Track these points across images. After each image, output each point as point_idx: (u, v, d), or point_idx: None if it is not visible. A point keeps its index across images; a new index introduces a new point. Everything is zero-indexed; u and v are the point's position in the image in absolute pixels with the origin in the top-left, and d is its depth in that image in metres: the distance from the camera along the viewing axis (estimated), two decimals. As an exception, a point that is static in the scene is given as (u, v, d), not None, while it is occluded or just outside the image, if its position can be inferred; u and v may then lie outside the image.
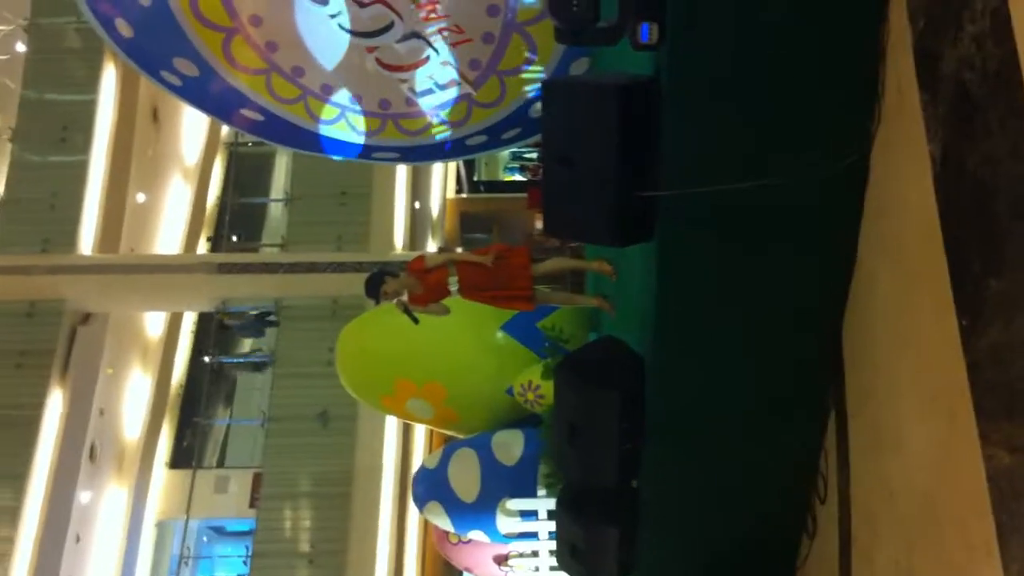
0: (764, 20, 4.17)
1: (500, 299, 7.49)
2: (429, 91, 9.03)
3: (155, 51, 8.60)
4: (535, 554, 9.67)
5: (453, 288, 7.45)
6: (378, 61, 8.70)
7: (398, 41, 8.51)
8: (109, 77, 18.54)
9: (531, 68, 8.72)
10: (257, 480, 18.99)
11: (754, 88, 4.29)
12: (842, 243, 4.59)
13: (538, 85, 8.68)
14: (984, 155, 3.11)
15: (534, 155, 25.49)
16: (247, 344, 22.52)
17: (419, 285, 7.33)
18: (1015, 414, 2.95)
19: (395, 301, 7.38)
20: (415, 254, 14.75)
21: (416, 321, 7.38)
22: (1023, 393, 2.91)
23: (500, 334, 9.92)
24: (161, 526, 20.41)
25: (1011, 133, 2.91)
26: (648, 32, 4.44)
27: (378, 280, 7.30)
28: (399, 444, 18.95)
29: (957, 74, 3.31)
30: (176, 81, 8.82)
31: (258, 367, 22.14)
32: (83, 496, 17.08)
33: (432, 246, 21.93)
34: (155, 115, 19.74)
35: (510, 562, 10.25)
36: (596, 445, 5.69)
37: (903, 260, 4.00)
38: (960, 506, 3.39)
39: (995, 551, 3.07)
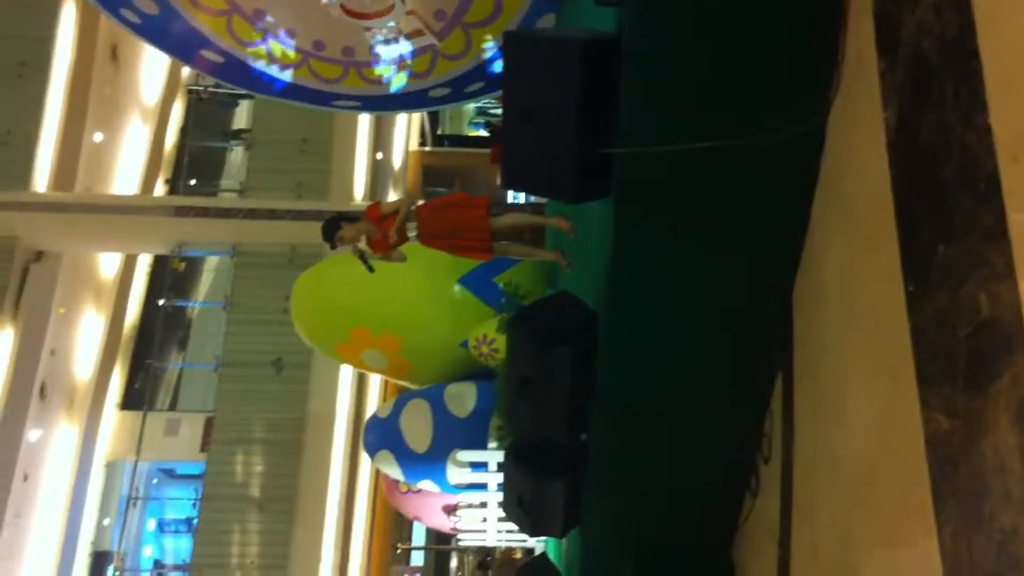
0: (729, -18, 4.17)
1: (459, 248, 7.50)
2: (393, 40, 8.94)
3: (114, -13, 8.46)
4: (483, 505, 9.78)
5: (412, 234, 7.45)
6: (343, 7, 8.59)
7: (364, -13, 8.42)
8: (68, 13, 18.20)
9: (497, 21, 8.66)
10: (209, 424, 18.98)
11: (714, 49, 4.28)
12: (796, 208, 4.61)
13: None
14: (937, 123, 3.13)
15: (499, 110, 25.37)
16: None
17: (377, 231, 7.31)
18: (956, 379, 2.99)
19: (351, 247, 7.36)
20: (375, 204, 14.62)
21: (371, 269, 7.37)
22: (965, 359, 2.95)
23: (457, 287, 9.95)
24: (111, 466, 20.40)
25: (964, 102, 2.94)
26: (612, -12, 4.42)
27: (335, 225, 7.27)
28: (353, 393, 19.02)
29: (915, 41, 3.33)
30: (135, 19, 8.66)
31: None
32: (32, 434, 16.98)
33: (392, 197, 21.84)
34: (114, 54, 19.41)
35: (459, 512, 10.34)
36: (547, 398, 5.72)
37: (855, 226, 4.03)
38: (900, 470, 3.44)
39: (930, 513, 3.12)
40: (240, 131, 22.85)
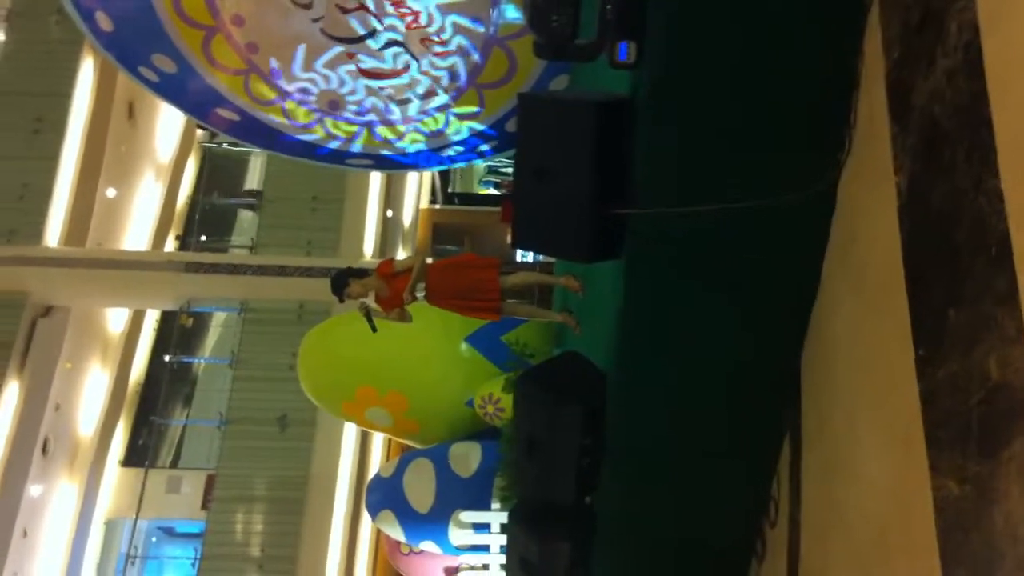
0: (742, 47, 4.20)
1: (466, 308, 7.48)
2: (407, 100, 9.04)
3: (134, 46, 8.57)
4: (486, 567, 9.66)
5: (420, 295, 7.44)
6: (358, 67, 8.70)
7: (379, 48, 8.52)
8: (87, 70, 18.42)
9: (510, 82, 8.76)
10: (210, 482, 18.86)
11: (728, 113, 4.32)
12: (807, 269, 4.63)
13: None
14: (949, 188, 3.15)
15: (510, 169, 25.52)
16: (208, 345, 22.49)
17: (386, 288, 7.30)
18: (967, 445, 2.97)
19: (358, 304, 7.34)
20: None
21: (375, 329, 7.32)
22: (976, 424, 2.93)
23: (464, 346, 9.94)
24: (110, 524, 20.19)
25: (976, 167, 2.95)
26: (626, 51, 4.47)
27: (344, 279, 7.27)
28: (356, 451, 18.89)
29: (927, 107, 3.35)
30: (154, 77, 8.78)
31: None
32: (33, 490, 16.87)
33: (402, 255, 21.89)
34: (131, 111, 19.62)
35: (460, 574, 10.23)
36: (554, 459, 5.69)
37: (865, 288, 4.03)
38: (911, 535, 3.41)
39: (940, 581, 3.09)
40: (251, 192, 22.99)
